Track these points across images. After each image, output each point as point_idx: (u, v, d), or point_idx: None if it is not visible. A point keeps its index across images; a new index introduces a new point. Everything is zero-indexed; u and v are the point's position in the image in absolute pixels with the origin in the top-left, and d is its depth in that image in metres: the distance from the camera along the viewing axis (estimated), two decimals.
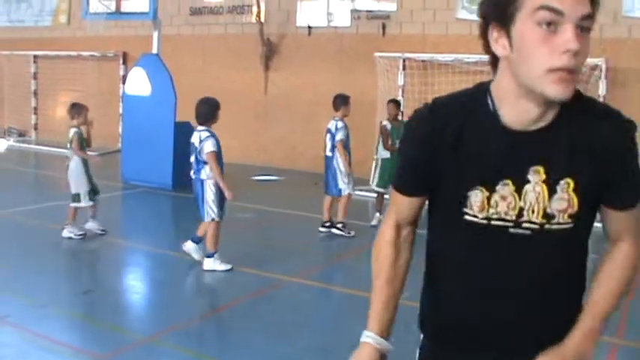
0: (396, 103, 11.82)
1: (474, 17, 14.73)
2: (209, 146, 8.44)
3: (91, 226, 10.16)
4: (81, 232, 9.94)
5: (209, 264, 8.47)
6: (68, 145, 10.01)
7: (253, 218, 12.15)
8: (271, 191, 14.96)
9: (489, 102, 2.23)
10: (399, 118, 11.60)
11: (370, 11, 16.50)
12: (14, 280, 8.01)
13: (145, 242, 10.19)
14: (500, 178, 2.20)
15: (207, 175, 8.39)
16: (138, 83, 13.97)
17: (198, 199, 8.57)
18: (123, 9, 14.54)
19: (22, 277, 8.18)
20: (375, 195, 11.78)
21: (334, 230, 10.83)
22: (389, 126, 11.35)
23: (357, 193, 11.92)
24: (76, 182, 9.89)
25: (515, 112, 2.17)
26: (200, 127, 8.72)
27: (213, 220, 8.40)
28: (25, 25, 23.35)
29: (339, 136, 10.59)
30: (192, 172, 8.63)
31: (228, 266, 8.49)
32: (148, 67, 14.02)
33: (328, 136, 10.79)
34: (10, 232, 10.53)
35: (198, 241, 8.79)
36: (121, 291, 8.29)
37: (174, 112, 13.55)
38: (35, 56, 22.33)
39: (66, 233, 9.86)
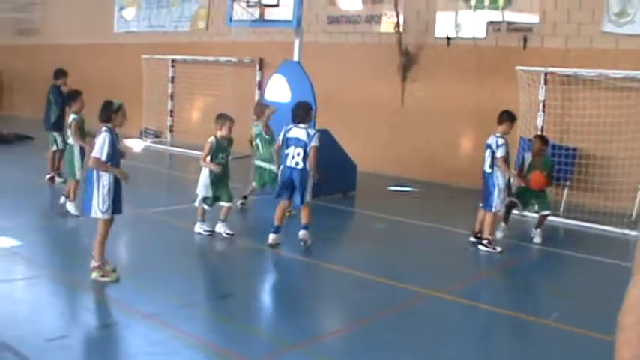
0: (542, 140, 11.63)
1: (621, 31, 14.43)
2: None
3: (221, 228, 10.43)
4: (208, 229, 10.43)
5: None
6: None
7: (388, 229, 12.06)
8: (406, 202, 14.85)
9: None
10: (544, 154, 11.59)
11: (511, 23, 16.19)
12: (161, 280, 8.17)
13: (283, 249, 10.24)
14: None
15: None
16: (277, 89, 14.09)
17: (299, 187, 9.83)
18: (266, 16, 14.68)
19: (166, 277, 8.34)
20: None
21: (480, 246, 10.64)
22: (528, 159, 11.51)
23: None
24: (199, 186, 10.51)
25: None
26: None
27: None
28: (165, 30, 24.02)
29: (499, 153, 10.42)
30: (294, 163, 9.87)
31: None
32: (288, 74, 14.13)
33: (488, 151, 10.61)
34: (152, 232, 10.79)
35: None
36: (261, 296, 8.35)
37: (315, 119, 13.59)
38: (173, 60, 22.89)
39: (196, 228, 10.46)
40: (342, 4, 19.03)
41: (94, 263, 7.96)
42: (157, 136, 23.29)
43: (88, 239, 9.98)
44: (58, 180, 13.96)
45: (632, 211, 13.47)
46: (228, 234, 10.33)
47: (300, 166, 9.80)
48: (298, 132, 9.91)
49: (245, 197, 12.56)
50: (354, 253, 10.27)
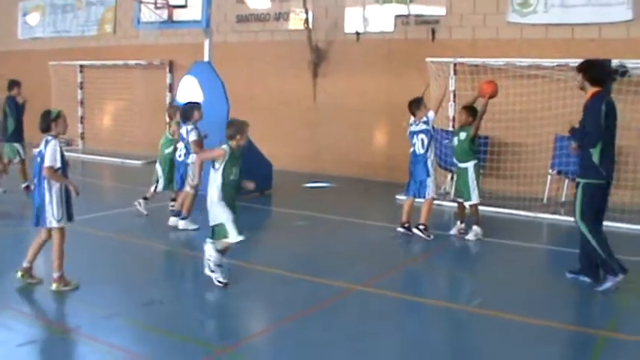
0: (468, 110, 11.31)
1: (525, 20, 14.78)
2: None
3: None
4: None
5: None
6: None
7: (308, 226, 12.09)
8: (323, 198, 14.90)
9: None
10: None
11: (419, 16, 16.40)
12: (80, 291, 8.02)
13: (200, 249, 10.16)
14: None
15: None
16: (189, 91, 13.97)
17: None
18: (174, 18, 14.53)
19: (86, 287, 8.19)
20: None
21: (416, 231, 11.05)
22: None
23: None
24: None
25: None
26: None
27: None
28: (71, 35, 23.56)
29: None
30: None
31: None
32: (199, 75, 14.02)
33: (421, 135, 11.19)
34: (69, 242, 10.56)
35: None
36: (184, 301, 8.27)
37: (227, 119, 13.53)
38: (81, 66, 22.48)
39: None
40: (251, 3, 18.98)
41: (55, 275, 7.97)
42: (68, 144, 22.81)
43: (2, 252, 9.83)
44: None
45: (543, 195, 13.86)
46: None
47: (182, 158, 11.55)
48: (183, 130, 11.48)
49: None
50: (275, 252, 10.24)
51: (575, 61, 13.20)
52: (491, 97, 11.07)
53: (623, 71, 12.68)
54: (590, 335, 6.98)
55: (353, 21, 17.49)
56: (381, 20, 17.08)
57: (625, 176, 13.35)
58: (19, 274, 8.15)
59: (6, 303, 7.55)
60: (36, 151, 8.20)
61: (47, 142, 7.92)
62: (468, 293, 8.72)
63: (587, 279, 8.69)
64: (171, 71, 20.72)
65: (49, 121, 8.00)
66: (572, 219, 10.18)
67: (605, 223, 11.27)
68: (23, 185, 14.17)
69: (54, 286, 7.96)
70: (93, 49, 22.70)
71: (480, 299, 8.07)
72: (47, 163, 7.79)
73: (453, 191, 11.61)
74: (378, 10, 17.12)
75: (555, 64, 13.54)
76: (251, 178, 13.99)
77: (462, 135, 11.08)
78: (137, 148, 20.79)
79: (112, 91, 21.25)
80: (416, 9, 16.50)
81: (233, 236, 8.24)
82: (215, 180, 8.30)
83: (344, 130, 17.27)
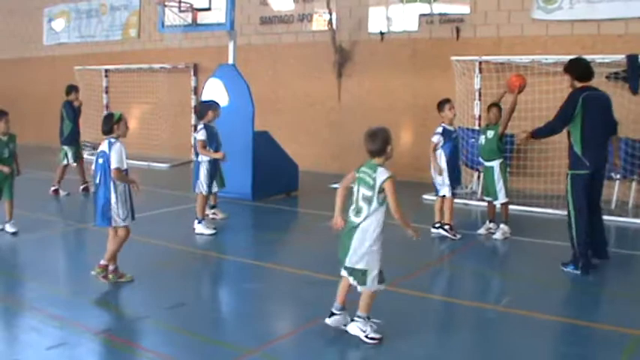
0: (498, 107, 11.32)
1: (550, 17, 14.66)
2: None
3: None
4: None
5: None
6: None
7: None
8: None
9: None
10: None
11: (443, 14, 16.34)
12: (105, 294, 8.08)
13: (230, 253, 10.17)
14: None
15: None
16: (214, 94, 13.98)
17: None
18: (198, 21, 14.54)
19: (115, 291, 8.23)
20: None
21: (441, 231, 11.12)
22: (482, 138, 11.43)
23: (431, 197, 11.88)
24: None
25: None
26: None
27: None
28: (96, 40, 23.72)
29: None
30: None
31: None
32: (224, 78, 14.02)
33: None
34: (98, 246, 10.63)
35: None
36: (213, 303, 8.27)
37: (252, 121, 13.54)
38: (106, 70, 22.61)
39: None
40: (274, 5, 19.02)
41: (110, 267, 8.39)
42: (94, 149, 22.94)
43: (25, 258, 9.88)
44: (62, 193, 14.76)
45: None
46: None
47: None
48: None
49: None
50: (301, 253, 10.24)
51: (602, 58, 13.28)
52: (520, 90, 11.00)
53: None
54: (621, 334, 6.89)
55: (377, 21, 17.45)
56: (405, 19, 17.03)
57: None
58: (96, 270, 8.43)
59: (33, 305, 7.59)
60: (96, 152, 8.42)
61: (111, 144, 8.20)
62: (496, 292, 8.66)
63: (597, 260, 9.37)
64: (195, 74, 20.79)
65: (112, 124, 8.28)
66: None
67: (634, 220, 11.28)
68: (52, 189, 14.76)
69: (110, 277, 8.38)
70: (118, 53, 22.84)
71: (509, 298, 8.01)
72: (115, 164, 8.10)
73: (480, 190, 11.51)
74: (401, 9, 17.07)
75: None
76: (277, 179, 14.17)
77: (490, 133, 11.02)
78: (163, 151, 20.89)
79: (137, 95, 21.34)
80: (440, 7, 16.44)
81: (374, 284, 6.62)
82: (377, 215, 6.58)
83: None
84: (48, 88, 24.95)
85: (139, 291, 8.33)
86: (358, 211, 6.52)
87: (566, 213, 9.40)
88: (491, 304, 7.90)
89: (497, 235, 10.96)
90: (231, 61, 14.38)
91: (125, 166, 8.23)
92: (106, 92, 22.86)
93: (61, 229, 11.75)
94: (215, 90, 14.00)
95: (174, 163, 20.08)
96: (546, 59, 14.06)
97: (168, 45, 19.12)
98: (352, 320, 6.59)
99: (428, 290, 8.46)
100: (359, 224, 6.49)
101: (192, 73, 20.85)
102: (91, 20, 23.88)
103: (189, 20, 14.47)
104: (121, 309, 7.51)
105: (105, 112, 8.96)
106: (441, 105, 11.18)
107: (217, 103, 11.96)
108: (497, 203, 11.11)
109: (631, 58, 13.08)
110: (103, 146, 8.28)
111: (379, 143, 6.54)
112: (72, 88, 15.27)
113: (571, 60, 9.53)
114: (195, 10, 14.48)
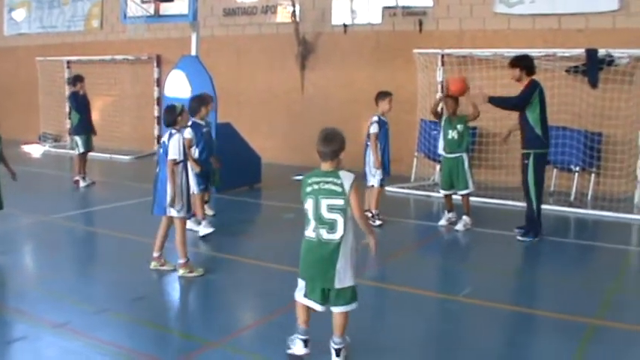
0: (455, 98, 11.24)
1: (512, 11, 14.78)
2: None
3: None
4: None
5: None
6: None
7: (296, 218, 12.07)
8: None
9: None
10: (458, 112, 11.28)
11: (406, 7, 16.40)
12: (68, 287, 8.03)
13: (192, 245, 10.14)
14: None
15: None
16: (177, 85, 13.93)
17: None
18: (161, 12, 14.47)
19: (76, 283, 8.20)
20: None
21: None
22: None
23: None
24: None
25: None
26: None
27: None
28: (58, 30, 23.48)
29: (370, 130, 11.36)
30: None
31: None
32: (187, 69, 13.96)
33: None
34: (55, 238, 10.56)
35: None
36: (176, 295, 8.27)
37: (215, 113, 13.51)
38: (68, 61, 22.37)
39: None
40: None
41: (180, 261, 8.51)
42: (56, 140, 22.82)
43: None
44: (82, 183, 14.84)
45: None
46: None
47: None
48: None
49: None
50: (264, 245, 10.26)
51: (562, 51, 13.43)
52: (460, 95, 11.16)
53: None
54: (579, 323, 7.00)
55: (340, 13, 17.47)
56: (369, 12, 17.07)
57: (612, 165, 13.43)
58: (152, 263, 8.68)
59: None
60: (161, 142, 8.61)
61: (171, 135, 8.34)
62: (457, 283, 8.73)
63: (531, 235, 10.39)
64: (158, 66, 20.69)
65: (175, 116, 8.49)
66: (561, 208, 10.47)
67: (593, 211, 11.55)
68: (74, 179, 14.97)
69: (180, 272, 8.50)
70: (80, 44, 22.65)
71: (470, 289, 8.10)
72: (171, 156, 8.22)
73: (442, 183, 11.54)
74: (365, 1, 17.11)
75: (543, 54, 13.56)
76: (240, 171, 14.16)
77: (460, 127, 11.03)
78: (125, 144, 20.78)
79: (100, 87, 21.13)
80: (403, 0, 16.50)
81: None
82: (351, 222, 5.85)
83: (332, 121, 16.84)
84: (9, 79, 24.73)
85: (100, 284, 8.31)
86: (331, 227, 5.68)
87: (524, 191, 10.39)
88: (452, 295, 7.98)
89: (459, 227, 11.06)
90: (193, 52, 14.33)
91: (181, 157, 8.33)
92: (68, 84, 22.59)
93: (25, 222, 11.62)
94: (177, 82, 13.95)
95: (137, 155, 19.97)
96: (508, 52, 14.14)
97: (131, 36, 18.95)
98: (337, 352, 5.92)
99: (390, 281, 8.52)
100: (340, 240, 5.69)
101: (155, 64, 20.75)
102: (53, 10, 23.62)
103: (152, 11, 14.41)
104: (82, 302, 7.45)
105: (166, 105, 8.95)
106: (381, 96, 11.42)
107: (210, 96, 11.38)
108: (464, 193, 11.15)
109: (590, 53, 13.24)
110: (165, 137, 8.44)
111: (337, 144, 5.83)
112: (76, 79, 15.24)
113: (520, 56, 10.66)
114: (157, 1, 14.42)
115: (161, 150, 8.51)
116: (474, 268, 9.34)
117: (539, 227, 10.41)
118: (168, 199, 8.26)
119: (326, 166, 5.84)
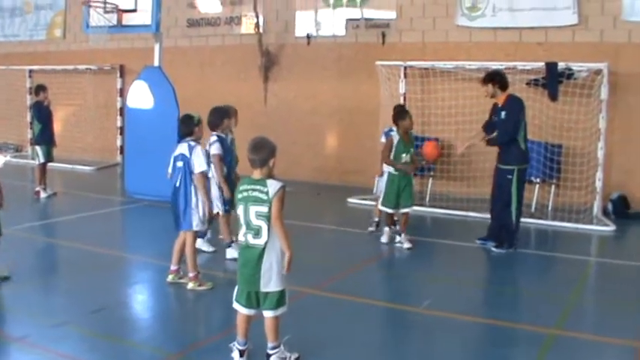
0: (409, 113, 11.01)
1: (474, 24, 14.94)
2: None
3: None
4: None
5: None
6: None
7: None
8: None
9: None
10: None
11: (369, 20, 16.51)
12: (26, 300, 7.95)
13: (154, 256, 10.08)
14: None
15: None
16: (140, 96, 13.88)
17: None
18: (124, 22, 14.43)
19: (36, 296, 8.13)
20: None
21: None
22: (396, 139, 10.67)
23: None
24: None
25: None
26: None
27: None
28: (20, 39, 23.26)
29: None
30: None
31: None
32: (150, 80, 13.93)
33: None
34: (15, 250, 10.44)
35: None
36: (135, 307, 8.22)
37: (178, 125, 13.47)
38: (30, 71, 22.18)
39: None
40: (202, 7, 18.93)
41: (190, 274, 8.39)
42: (17, 150, 22.60)
43: None
44: (42, 194, 14.73)
45: None
46: None
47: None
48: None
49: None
50: (224, 257, 10.21)
51: (523, 64, 13.58)
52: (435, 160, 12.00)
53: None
54: (537, 333, 7.07)
55: (304, 25, 17.51)
56: (333, 24, 17.15)
57: (572, 177, 13.59)
58: (170, 277, 8.55)
59: None
60: (175, 154, 8.30)
61: (191, 147, 8.16)
62: (417, 295, 8.75)
63: (492, 243, 10.60)
64: (122, 76, 20.60)
65: (193, 126, 8.33)
66: (522, 219, 10.60)
67: (553, 222, 11.72)
68: (35, 189, 14.84)
69: (190, 285, 8.38)
70: (42, 53, 22.45)
71: (429, 300, 8.14)
72: (199, 168, 8.07)
73: (388, 201, 11.01)
74: (329, 13, 17.18)
75: (504, 66, 13.68)
76: None
77: (412, 150, 10.84)
78: (88, 154, 20.65)
79: (62, 97, 20.90)
80: (367, 13, 16.60)
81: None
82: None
83: (295, 133, 17.26)
84: None
85: (60, 296, 8.24)
86: (257, 233, 5.88)
87: (502, 203, 10.48)
88: (412, 307, 8.02)
89: (407, 245, 10.72)
90: (156, 63, 14.29)
91: (207, 168, 8.27)
92: (30, 93, 22.40)
93: None
94: (140, 92, 13.90)
95: (99, 165, 19.84)
96: (470, 65, 14.33)
97: (94, 46, 18.84)
98: (267, 357, 6.15)
99: (350, 293, 8.52)
100: (265, 246, 5.88)
101: (118, 74, 20.65)
102: (15, 19, 23.40)
103: (115, 21, 14.35)
104: (41, 315, 7.39)
105: (182, 114, 8.73)
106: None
107: (234, 108, 10.56)
108: (408, 210, 10.88)
109: (550, 66, 13.40)
110: (182, 149, 8.23)
111: (265, 152, 5.97)
112: (40, 88, 15.07)
113: (492, 72, 10.88)
114: (120, 11, 14.37)
115: (179, 163, 8.17)
116: (435, 279, 9.39)
117: (516, 239, 10.58)
118: (194, 211, 8.21)
119: (256, 173, 6.02)
